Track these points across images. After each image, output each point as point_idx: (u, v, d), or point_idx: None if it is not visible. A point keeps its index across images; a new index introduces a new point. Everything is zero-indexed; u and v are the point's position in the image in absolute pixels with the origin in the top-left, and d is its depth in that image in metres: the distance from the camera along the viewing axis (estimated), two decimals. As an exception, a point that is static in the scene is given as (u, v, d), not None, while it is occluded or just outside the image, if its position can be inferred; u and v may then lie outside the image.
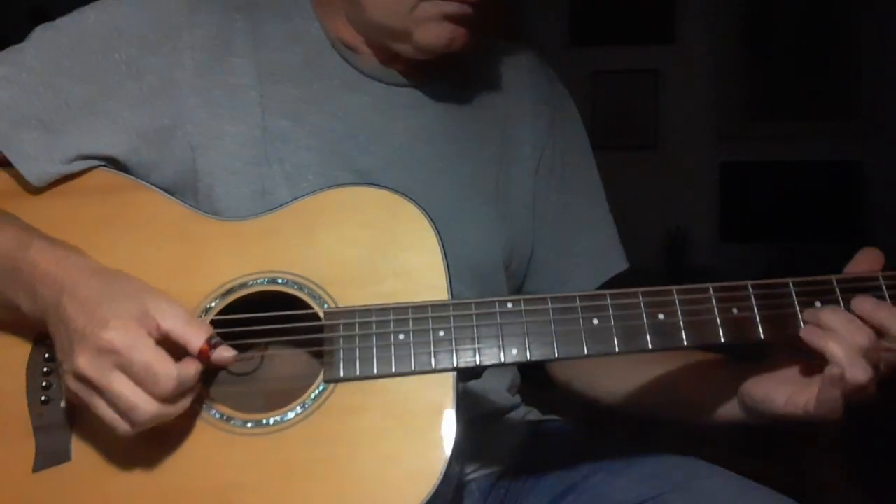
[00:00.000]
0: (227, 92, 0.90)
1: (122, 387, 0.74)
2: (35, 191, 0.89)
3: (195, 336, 0.76)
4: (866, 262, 0.82)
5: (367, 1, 0.90)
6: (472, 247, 0.87)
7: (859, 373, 0.75)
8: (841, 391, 0.76)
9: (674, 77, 3.85)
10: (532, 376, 1.12)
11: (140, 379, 0.74)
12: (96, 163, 0.89)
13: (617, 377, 1.02)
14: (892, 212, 3.58)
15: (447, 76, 0.98)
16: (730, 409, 0.89)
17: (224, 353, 0.78)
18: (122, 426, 0.75)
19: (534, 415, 1.10)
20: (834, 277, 0.81)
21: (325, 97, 0.93)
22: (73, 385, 0.76)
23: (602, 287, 1.02)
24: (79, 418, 0.82)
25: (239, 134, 0.90)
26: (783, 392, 0.81)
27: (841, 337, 0.76)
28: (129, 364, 0.73)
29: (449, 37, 0.89)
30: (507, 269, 1.02)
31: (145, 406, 0.74)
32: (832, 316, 0.77)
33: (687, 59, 3.83)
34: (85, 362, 0.74)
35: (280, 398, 0.82)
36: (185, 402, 0.77)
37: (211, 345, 0.77)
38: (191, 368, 0.76)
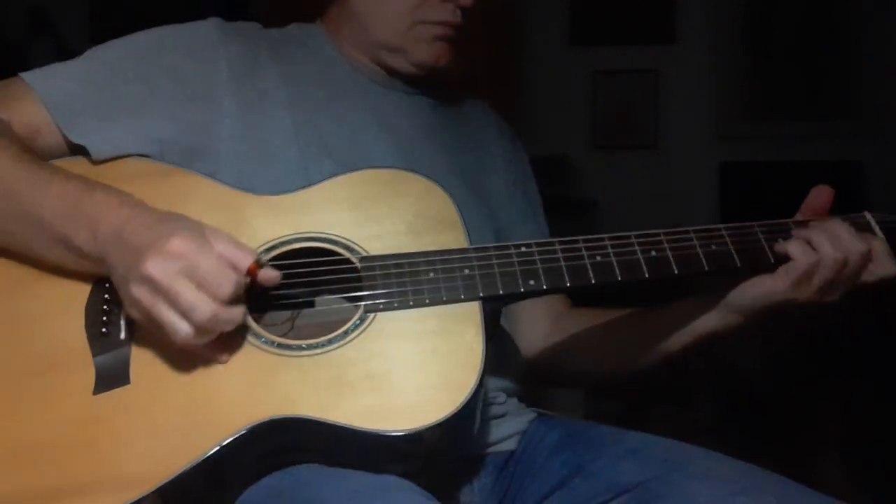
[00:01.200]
0: (259, 94, 1.04)
1: (185, 288, 0.81)
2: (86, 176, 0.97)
3: (243, 257, 0.84)
4: (818, 198, 1.03)
5: (370, 22, 1.08)
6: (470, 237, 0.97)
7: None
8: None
9: (674, 77, 3.85)
10: (533, 377, 1.14)
11: (203, 282, 0.81)
12: (146, 149, 1.00)
13: (600, 346, 1.16)
14: (892, 212, 3.57)
15: (435, 90, 1.17)
16: (705, 321, 1.03)
17: (269, 272, 0.87)
18: (183, 327, 0.82)
19: (538, 413, 1.14)
20: (791, 221, 1.00)
21: (341, 97, 1.09)
22: (137, 291, 0.82)
23: None
24: (137, 346, 0.89)
25: (272, 125, 1.03)
26: (768, 277, 0.96)
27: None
28: (194, 267, 0.81)
29: (438, 53, 1.08)
30: None
31: (204, 306, 0.81)
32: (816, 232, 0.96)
33: (687, 59, 3.83)
34: (151, 265, 0.81)
35: (310, 330, 0.91)
36: (239, 311, 0.85)
37: (258, 264, 0.85)
38: (244, 278, 0.84)
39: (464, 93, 1.25)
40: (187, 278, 0.81)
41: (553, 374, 1.23)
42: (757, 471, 0.90)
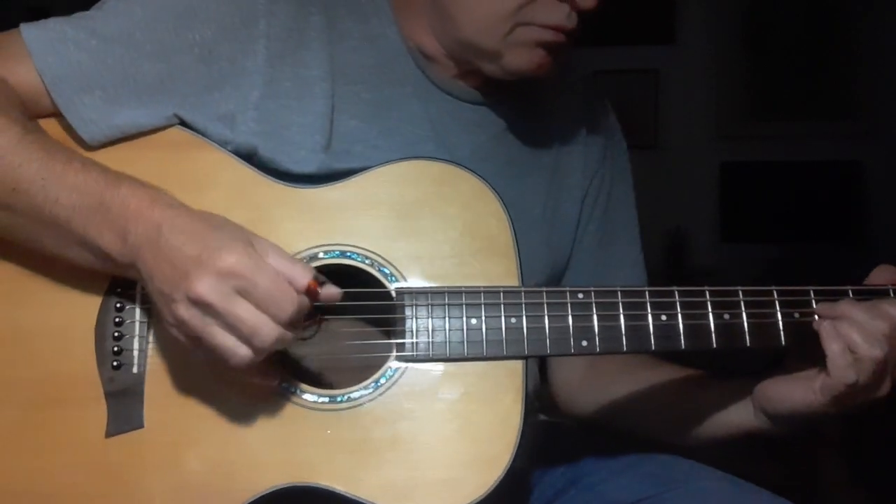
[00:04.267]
0: (298, 84, 0.88)
1: (245, 310, 0.72)
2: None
3: (301, 273, 0.75)
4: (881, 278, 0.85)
5: (463, 19, 0.88)
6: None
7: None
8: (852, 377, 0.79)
9: (674, 77, 3.85)
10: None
11: (262, 302, 0.72)
12: (161, 125, 0.88)
13: (624, 404, 1.03)
14: (892, 212, 3.58)
15: (511, 99, 0.98)
16: (740, 415, 0.91)
17: (331, 289, 0.77)
18: (242, 351, 0.73)
19: (540, 418, 1.11)
20: (850, 288, 0.84)
21: (395, 103, 0.93)
22: (187, 312, 0.73)
23: None
24: (151, 384, 0.82)
25: (306, 124, 0.88)
26: (800, 387, 0.83)
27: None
28: (252, 287, 0.72)
29: (539, 62, 0.89)
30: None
31: (269, 329, 0.72)
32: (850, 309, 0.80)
33: (687, 59, 3.83)
34: (205, 286, 0.71)
35: (340, 375, 0.83)
36: (299, 332, 0.76)
37: (319, 282, 0.76)
38: (306, 298, 0.75)
39: (553, 82, 1.02)
40: (245, 299, 0.72)
41: (584, 420, 1.09)
42: (754, 491, 0.88)
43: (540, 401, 1.10)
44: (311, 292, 0.75)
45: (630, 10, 3.81)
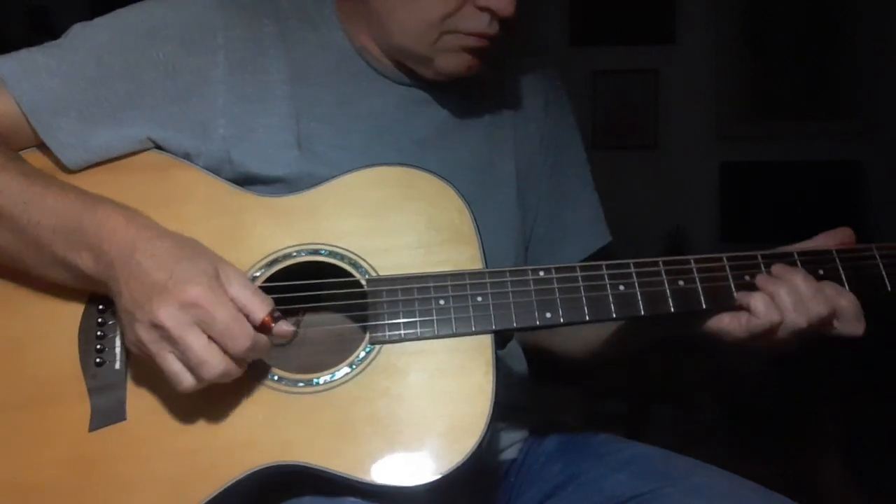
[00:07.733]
0: (260, 88, 0.94)
1: (197, 341, 0.76)
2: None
3: (259, 307, 0.79)
4: (833, 240, 0.91)
5: (394, 28, 0.94)
6: (494, 230, 0.91)
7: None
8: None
9: (674, 77, 3.85)
10: (536, 377, 1.15)
11: (218, 336, 0.77)
12: (135, 149, 0.93)
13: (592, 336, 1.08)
14: (892, 212, 3.58)
15: (458, 84, 1.01)
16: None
17: (284, 327, 0.81)
18: (187, 380, 0.78)
19: (539, 415, 1.13)
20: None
21: (351, 100, 0.98)
22: (146, 335, 0.77)
23: (589, 259, 1.07)
24: (133, 379, 0.85)
25: (272, 125, 0.94)
26: (727, 315, 0.88)
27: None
28: (210, 320, 0.76)
29: (468, 65, 0.95)
30: (526, 250, 1.07)
31: (216, 363, 0.77)
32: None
33: (687, 59, 3.83)
34: (166, 313, 0.76)
35: (316, 365, 0.86)
36: (245, 366, 0.80)
37: (273, 318, 0.80)
38: (263, 335, 0.79)
39: (506, 58, 1.07)
40: (200, 330, 0.76)
41: (540, 354, 1.15)
42: (751, 488, 0.89)
43: (535, 397, 1.12)
44: (264, 327, 0.79)
45: (630, 10, 3.83)
